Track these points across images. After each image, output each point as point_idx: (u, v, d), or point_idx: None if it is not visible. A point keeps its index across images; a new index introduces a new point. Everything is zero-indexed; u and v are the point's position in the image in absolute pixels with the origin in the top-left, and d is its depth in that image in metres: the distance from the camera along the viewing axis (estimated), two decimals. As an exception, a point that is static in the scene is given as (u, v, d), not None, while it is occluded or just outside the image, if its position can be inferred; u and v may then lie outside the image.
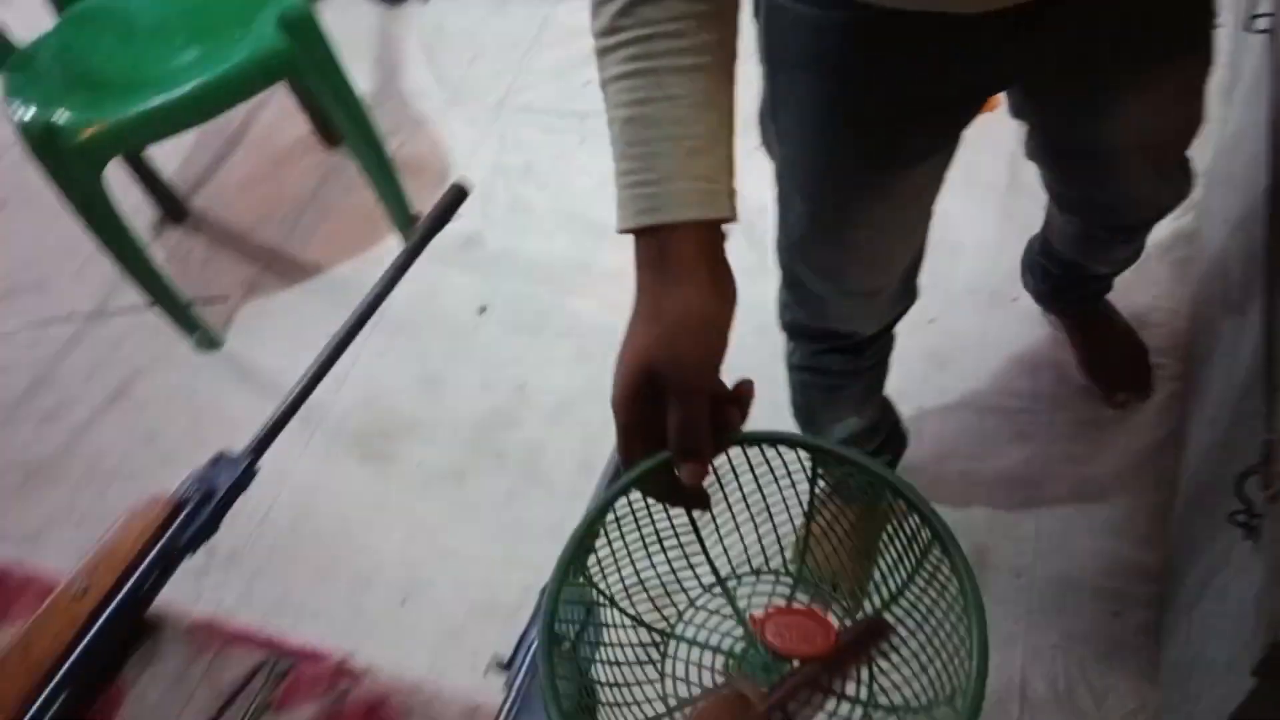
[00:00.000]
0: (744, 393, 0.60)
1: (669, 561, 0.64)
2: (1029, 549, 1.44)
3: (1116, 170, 1.02)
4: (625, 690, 0.58)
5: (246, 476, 0.75)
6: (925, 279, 1.16)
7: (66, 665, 0.66)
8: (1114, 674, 1.30)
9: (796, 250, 1.02)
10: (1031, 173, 1.19)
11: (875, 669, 0.60)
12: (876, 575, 0.62)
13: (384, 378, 1.86)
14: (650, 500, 0.62)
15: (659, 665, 0.61)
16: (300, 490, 1.71)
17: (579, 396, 1.78)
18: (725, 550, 0.64)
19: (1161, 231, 1.77)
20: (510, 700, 0.60)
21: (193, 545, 0.72)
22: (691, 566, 0.64)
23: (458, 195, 0.97)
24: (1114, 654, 1.32)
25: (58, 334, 2.07)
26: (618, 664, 0.59)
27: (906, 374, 1.65)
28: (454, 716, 0.62)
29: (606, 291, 1.92)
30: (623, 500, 0.60)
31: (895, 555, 0.60)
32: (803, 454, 0.61)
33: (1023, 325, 1.68)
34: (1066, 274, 1.46)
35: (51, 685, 0.66)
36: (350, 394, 1.83)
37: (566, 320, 1.89)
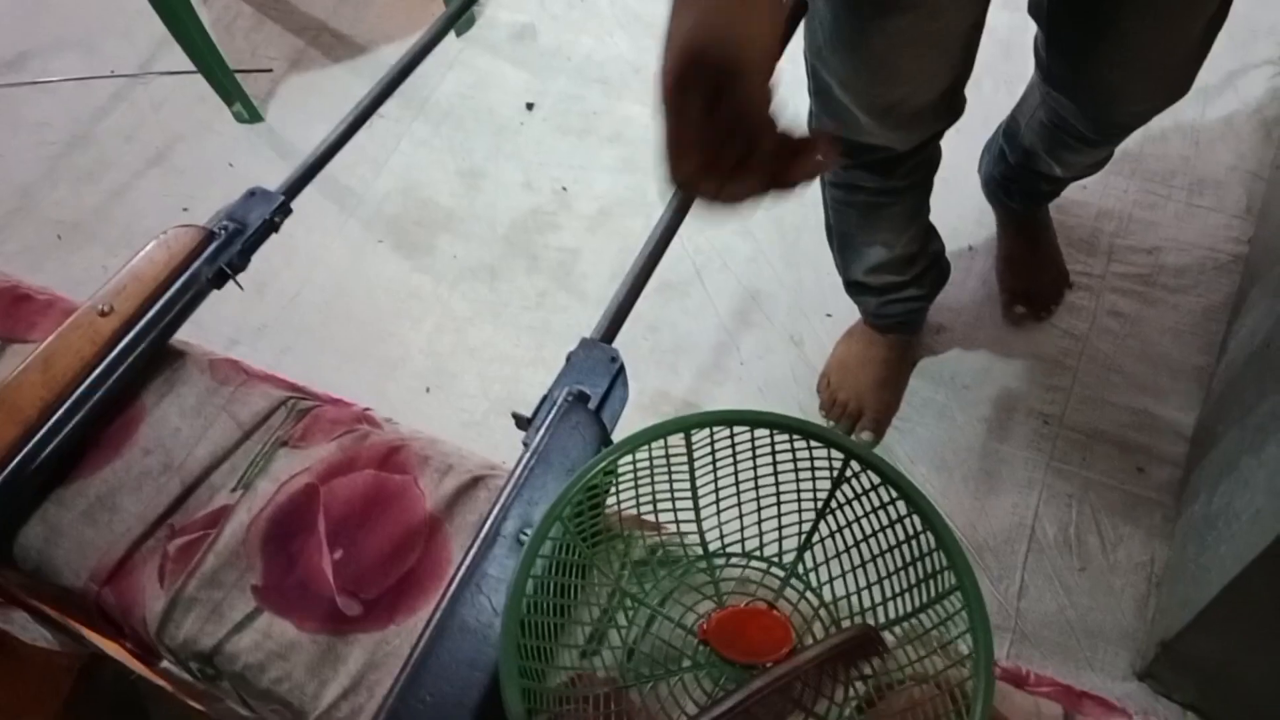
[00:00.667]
0: (814, 147, 0.53)
1: (659, 527, 0.59)
2: (1061, 398, 1.42)
3: (1129, 45, 0.93)
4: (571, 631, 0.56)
5: (279, 213, 0.72)
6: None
7: (87, 381, 0.66)
8: (1127, 526, 1.30)
9: (820, 57, 0.97)
10: None
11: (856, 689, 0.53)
12: (879, 594, 0.54)
13: (425, 168, 1.82)
14: (653, 460, 0.56)
15: (623, 632, 0.56)
16: (333, 273, 1.70)
17: (620, 205, 1.74)
18: (720, 526, 0.58)
19: (1256, 89, 1.67)
20: (529, 456, 0.59)
21: (221, 278, 0.70)
22: (680, 535, 0.59)
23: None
24: (1131, 508, 1.32)
25: (99, 92, 2.03)
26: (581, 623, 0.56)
27: (961, 214, 1.60)
28: (472, 468, 0.62)
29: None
30: (627, 458, 0.54)
31: (907, 583, 0.53)
32: (834, 453, 0.55)
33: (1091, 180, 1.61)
34: (1022, 164, 1.36)
35: (70, 400, 0.66)
36: (389, 181, 1.80)
37: (616, 125, 1.83)
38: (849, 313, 1.51)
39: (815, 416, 1.46)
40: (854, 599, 0.55)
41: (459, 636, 0.53)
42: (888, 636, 0.53)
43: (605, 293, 1.64)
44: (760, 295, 1.59)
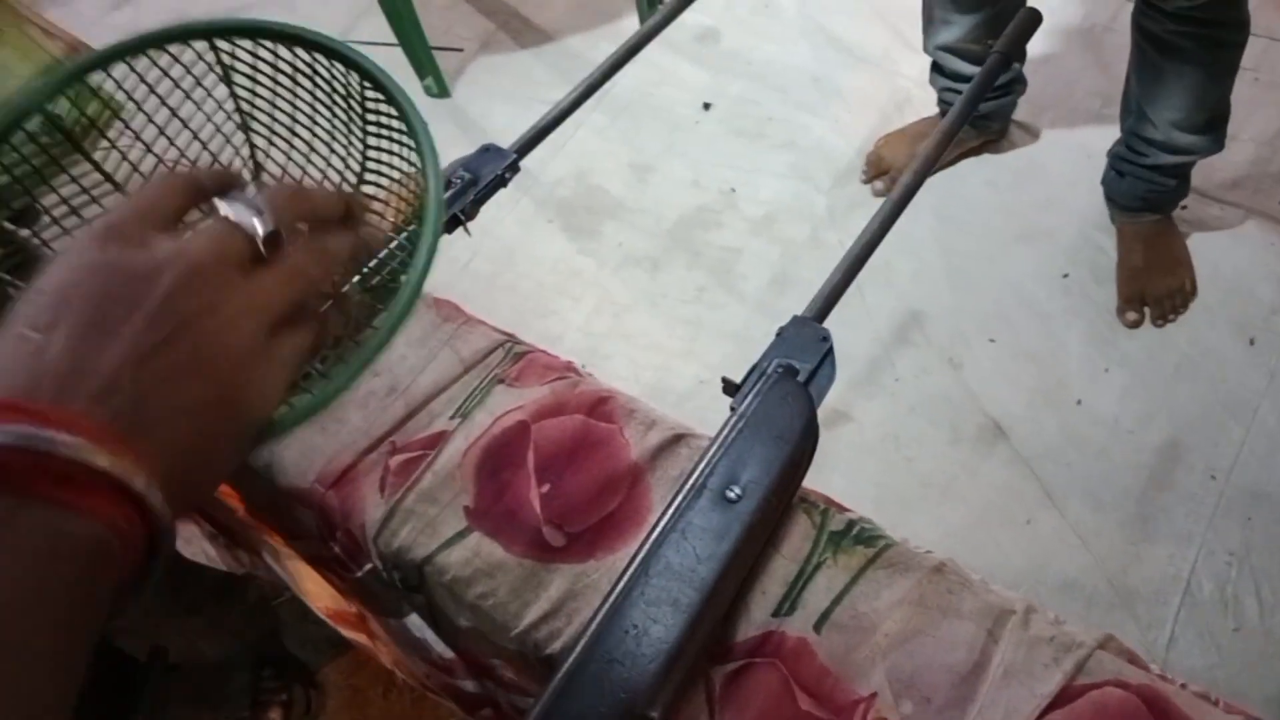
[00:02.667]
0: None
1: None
2: (1230, 454, 1.37)
3: None
4: None
5: (510, 170, 0.76)
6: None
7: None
8: (1289, 594, 1.25)
9: None
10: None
11: None
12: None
13: (598, 156, 1.87)
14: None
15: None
16: (503, 246, 1.76)
17: (785, 212, 1.75)
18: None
19: None
20: (736, 419, 0.61)
21: (452, 224, 0.75)
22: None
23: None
24: (1295, 575, 1.26)
25: (301, 55, 2.15)
26: None
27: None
28: (674, 425, 0.64)
29: (836, 112, 1.86)
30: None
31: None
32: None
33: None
34: (1132, 131, 1.49)
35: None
36: (564, 165, 1.85)
37: (789, 133, 1.85)
38: (1013, 339, 1.49)
39: (970, 442, 1.44)
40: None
41: (664, 576, 0.55)
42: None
43: (761, 296, 1.68)
44: (921, 315, 1.58)
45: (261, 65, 0.49)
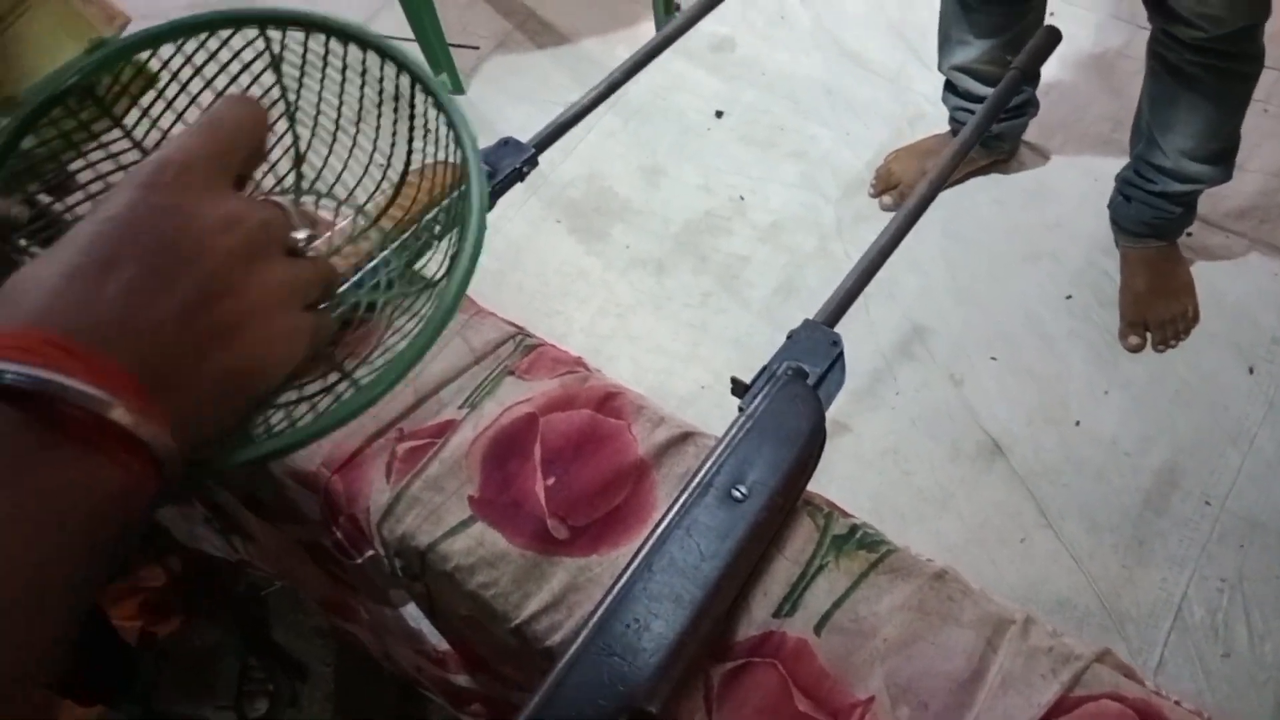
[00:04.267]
0: None
1: None
2: (1227, 481, 1.37)
3: None
4: None
5: (528, 164, 0.77)
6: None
7: (343, 288, 0.71)
8: (1278, 621, 1.25)
9: None
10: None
11: None
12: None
13: (609, 159, 1.88)
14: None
15: None
16: (511, 244, 1.77)
17: (793, 221, 1.76)
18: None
19: None
20: (744, 419, 0.62)
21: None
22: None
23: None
24: (1287, 604, 1.27)
25: (316, 46, 2.16)
26: None
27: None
28: (681, 424, 0.65)
29: (847, 124, 1.86)
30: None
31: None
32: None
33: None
34: (1141, 157, 1.50)
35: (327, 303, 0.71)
36: (574, 167, 1.86)
37: (800, 143, 1.86)
38: (1015, 357, 1.50)
39: (969, 459, 1.44)
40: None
41: (668, 572, 0.55)
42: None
43: (768, 303, 1.68)
44: (925, 330, 1.59)
45: (311, 58, 0.49)
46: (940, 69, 1.65)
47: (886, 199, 1.76)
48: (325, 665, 1.52)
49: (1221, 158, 1.44)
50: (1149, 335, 1.55)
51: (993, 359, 1.53)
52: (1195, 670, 1.22)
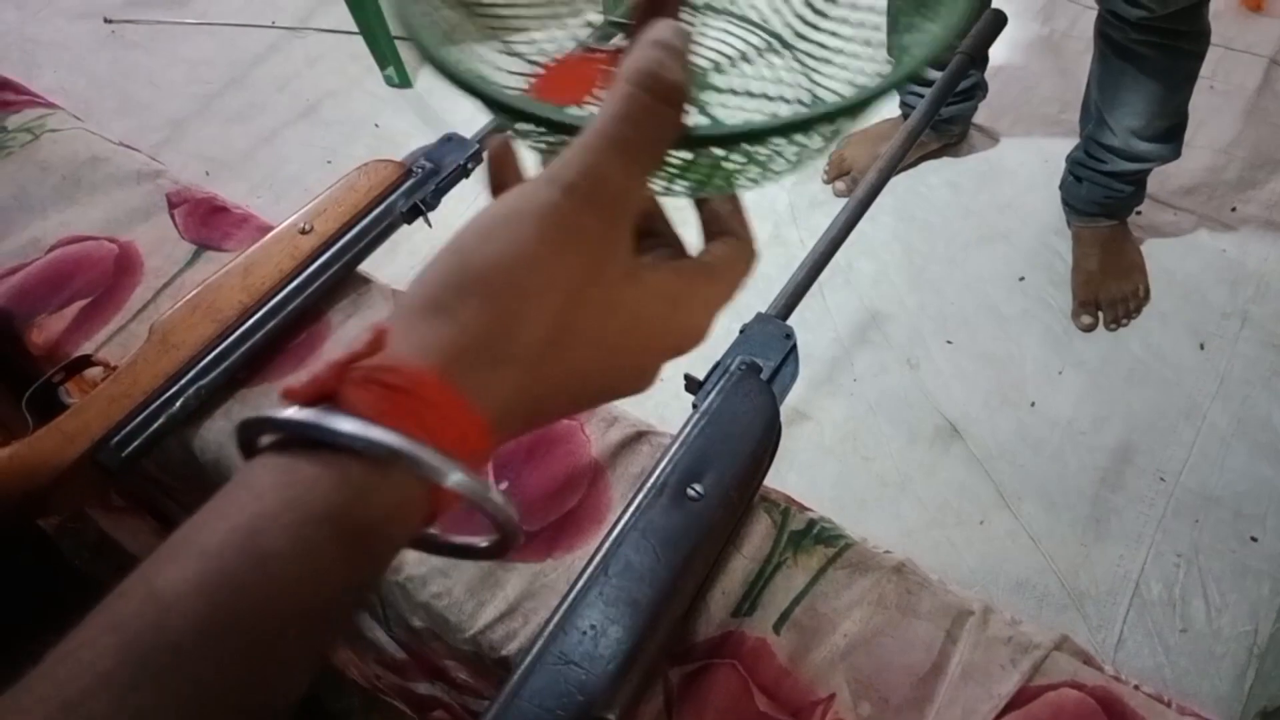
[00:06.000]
0: None
1: None
2: (1180, 457, 1.39)
3: None
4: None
5: (473, 160, 0.75)
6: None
7: (282, 293, 0.70)
8: (1234, 594, 1.27)
9: None
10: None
11: None
12: None
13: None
14: None
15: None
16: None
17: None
18: None
19: None
20: (699, 416, 0.61)
21: (413, 213, 0.74)
22: None
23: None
24: (1240, 576, 1.29)
25: (259, 40, 2.12)
26: None
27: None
28: (635, 422, 0.64)
29: (799, 110, 1.86)
30: None
31: None
32: None
33: (1240, 249, 1.59)
34: (1091, 138, 1.50)
35: (265, 308, 0.69)
36: (525, 159, 1.83)
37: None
38: (970, 340, 1.50)
39: (927, 442, 1.45)
40: None
41: (623, 576, 0.54)
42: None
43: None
44: (880, 316, 1.59)
45: None
46: (889, 55, 1.65)
47: (840, 185, 1.76)
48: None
49: (1170, 135, 1.45)
50: (1101, 314, 1.56)
51: (948, 342, 1.54)
52: (1155, 646, 1.24)
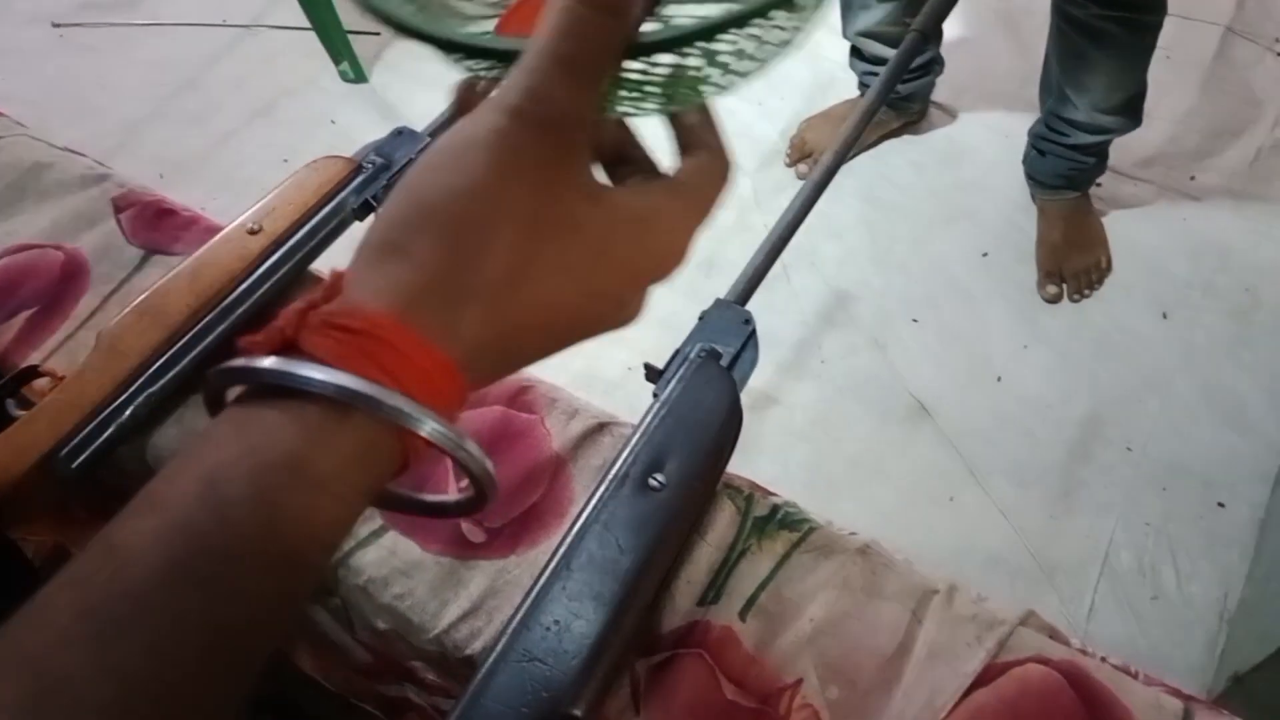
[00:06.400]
0: None
1: None
2: (1146, 426, 1.40)
3: None
4: None
5: (421, 154, 0.74)
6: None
7: (232, 295, 0.68)
8: (1204, 561, 1.29)
9: None
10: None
11: None
12: None
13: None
14: None
15: None
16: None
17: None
18: None
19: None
20: (659, 406, 0.60)
21: (365, 210, 0.72)
22: None
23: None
24: (1210, 544, 1.30)
25: (213, 40, 2.08)
26: None
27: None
28: (596, 414, 0.63)
29: (761, 95, 1.85)
30: None
31: None
32: None
33: (1200, 218, 1.61)
34: (1052, 112, 1.50)
35: (215, 311, 0.68)
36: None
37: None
38: (935, 320, 1.51)
39: (897, 422, 1.45)
40: None
41: (587, 570, 0.54)
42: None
43: (690, 279, 1.66)
44: (846, 297, 1.59)
45: None
46: (845, 35, 1.65)
47: (802, 167, 1.76)
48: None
49: (1131, 106, 1.46)
50: (1065, 286, 1.57)
51: (915, 321, 1.54)
52: (1126, 615, 1.25)
